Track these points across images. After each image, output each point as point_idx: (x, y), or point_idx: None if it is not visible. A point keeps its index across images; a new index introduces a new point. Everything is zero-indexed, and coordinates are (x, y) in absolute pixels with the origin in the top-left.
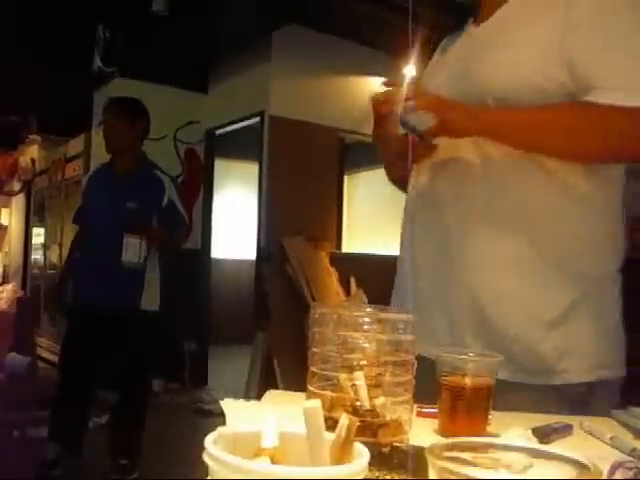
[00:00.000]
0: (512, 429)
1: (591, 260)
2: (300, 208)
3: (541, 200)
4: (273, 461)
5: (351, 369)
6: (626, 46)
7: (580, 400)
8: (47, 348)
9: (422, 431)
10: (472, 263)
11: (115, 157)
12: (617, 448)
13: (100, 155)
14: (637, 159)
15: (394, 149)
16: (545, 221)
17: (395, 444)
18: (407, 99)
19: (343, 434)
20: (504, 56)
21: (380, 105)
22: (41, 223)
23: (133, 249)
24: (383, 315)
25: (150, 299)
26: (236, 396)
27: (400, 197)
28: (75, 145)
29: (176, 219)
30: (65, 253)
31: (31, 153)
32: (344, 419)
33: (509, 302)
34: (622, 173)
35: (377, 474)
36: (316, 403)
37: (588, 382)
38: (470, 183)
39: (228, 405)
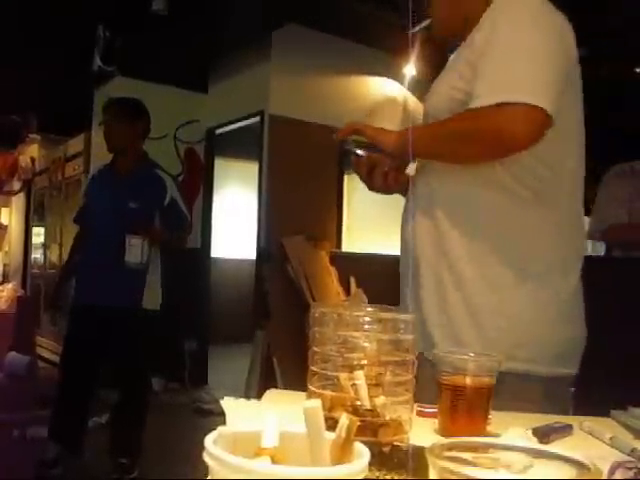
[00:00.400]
0: (512, 429)
1: (535, 260)
2: (300, 208)
3: (481, 201)
4: (273, 461)
5: (351, 369)
6: (505, 59)
7: None
8: (47, 348)
9: (422, 431)
10: (421, 251)
11: (116, 157)
12: (617, 448)
13: (100, 155)
14: (507, 150)
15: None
16: (487, 222)
17: (395, 444)
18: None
19: (343, 434)
20: (438, 81)
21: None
22: (41, 222)
23: (136, 249)
24: (384, 315)
25: (152, 298)
26: (236, 395)
27: (400, 197)
28: (75, 144)
29: (178, 218)
30: (65, 252)
31: (31, 152)
32: (344, 419)
33: (447, 293)
34: (564, 180)
35: (377, 474)
36: (316, 403)
37: None
38: (423, 192)
39: (228, 404)
